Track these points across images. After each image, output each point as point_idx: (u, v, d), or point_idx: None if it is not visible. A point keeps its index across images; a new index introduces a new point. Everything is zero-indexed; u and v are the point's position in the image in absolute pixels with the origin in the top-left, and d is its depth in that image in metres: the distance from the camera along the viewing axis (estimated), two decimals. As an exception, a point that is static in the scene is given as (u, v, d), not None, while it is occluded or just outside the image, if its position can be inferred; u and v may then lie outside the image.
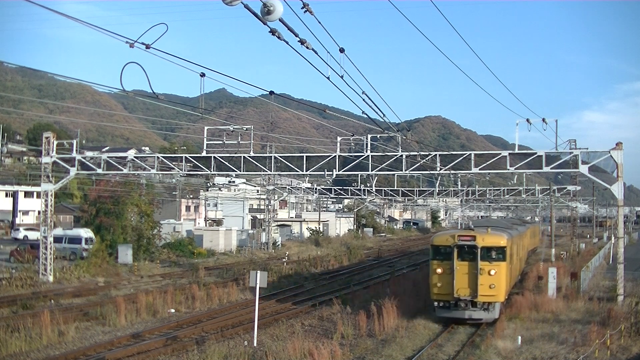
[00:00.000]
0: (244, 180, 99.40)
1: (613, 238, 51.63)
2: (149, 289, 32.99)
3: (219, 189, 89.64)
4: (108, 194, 51.40)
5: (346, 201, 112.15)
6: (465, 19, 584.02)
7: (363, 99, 17.21)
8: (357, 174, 44.44)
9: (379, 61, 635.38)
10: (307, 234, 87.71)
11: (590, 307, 27.20)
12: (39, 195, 51.01)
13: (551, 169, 32.42)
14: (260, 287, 21.66)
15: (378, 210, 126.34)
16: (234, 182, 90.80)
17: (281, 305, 30.53)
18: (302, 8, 10.43)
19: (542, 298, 28.50)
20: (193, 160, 36.76)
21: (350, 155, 35.56)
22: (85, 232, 49.21)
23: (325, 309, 28.68)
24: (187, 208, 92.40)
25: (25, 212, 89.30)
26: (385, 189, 76.56)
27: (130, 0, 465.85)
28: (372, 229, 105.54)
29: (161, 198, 72.88)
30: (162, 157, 39.15)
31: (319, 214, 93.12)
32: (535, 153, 32.28)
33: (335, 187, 79.63)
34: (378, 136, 34.36)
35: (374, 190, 70.80)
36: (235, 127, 35.86)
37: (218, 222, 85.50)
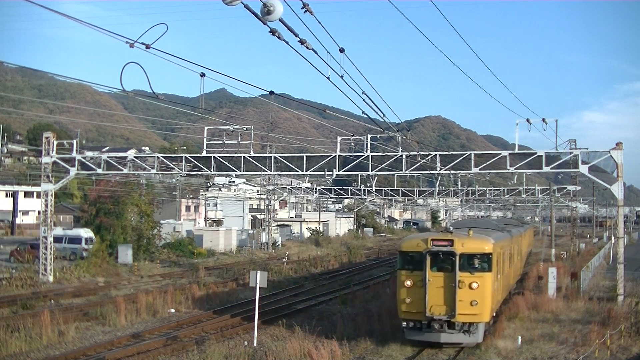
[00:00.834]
0: (244, 180, 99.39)
1: (613, 238, 51.62)
2: (149, 289, 32.99)
3: (219, 189, 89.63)
4: (108, 194, 51.39)
5: (346, 201, 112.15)
6: (465, 19, 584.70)
7: (363, 99, 17.23)
8: (357, 174, 44.44)
9: (379, 61, 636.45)
10: (307, 234, 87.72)
11: (590, 307, 27.18)
12: (39, 195, 51.04)
13: (551, 169, 32.43)
14: (260, 287, 21.67)
15: (378, 210, 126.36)
16: (234, 182, 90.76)
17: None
18: (302, 8, 10.44)
19: (542, 298, 28.48)
20: (193, 160, 36.77)
21: (350, 155, 35.57)
22: (85, 232, 49.19)
23: (325, 308, 28.71)
24: (187, 208, 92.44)
25: (25, 212, 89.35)
26: (385, 189, 76.57)
27: (130, 0, 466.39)
28: (372, 229, 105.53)
29: (161, 198, 72.91)
30: (162, 157, 39.17)
31: (319, 214, 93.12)
32: (535, 153, 32.29)
33: (335, 187, 79.64)
34: (378, 136, 34.37)
35: (374, 190, 70.81)
36: (235, 127, 35.87)
37: (218, 222, 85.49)
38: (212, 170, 36.16)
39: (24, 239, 59.33)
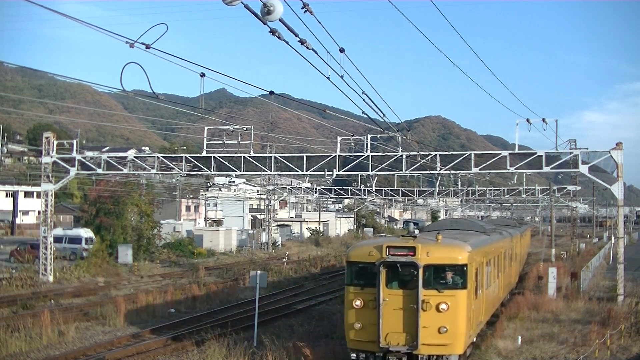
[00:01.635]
0: (244, 180, 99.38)
1: (613, 238, 51.62)
2: (149, 289, 33.00)
3: (219, 189, 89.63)
4: (108, 194, 51.39)
5: (346, 201, 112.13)
6: (465, 19, 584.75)
7: (363, 99, 17.19)
8: (357, 174, 44.48)
9: (379, 61, 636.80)
10: (307, 234, 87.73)
11: (590, 307, 27.16)
12: (39, 195, 51.06)
13: (551, 169, 32.44)
14: (260, 287, 21.67)
15: (378, 210, 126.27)
16: (234, 182, 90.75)
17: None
18: (302, 8, 10.43)
19: (542, 298, 28.47)
20: (193, 160, 36.77)
21: (350, 155, 35.58)
22: (85, 232, 49.20)
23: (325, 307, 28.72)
24: (187, 208, 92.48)
25: (25, 212, 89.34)
26: (385, 189, 76.57)
27: (130, 0, 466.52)
28: (372, 229, 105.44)
29: (161, 198, 72.92)
30: (162, 157, 39.18)
31: (319, 214, 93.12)
32: (535, 153, 32.30)
33: (335, 187, 79.64)
34: (378, 136, 34.38)
35: (374, 190, 70.82)
36: (235, 127, 35.87)
37: (218, 222, 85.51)
38: (212, 170, 36.16)
39: (24, 239, 59.30)
